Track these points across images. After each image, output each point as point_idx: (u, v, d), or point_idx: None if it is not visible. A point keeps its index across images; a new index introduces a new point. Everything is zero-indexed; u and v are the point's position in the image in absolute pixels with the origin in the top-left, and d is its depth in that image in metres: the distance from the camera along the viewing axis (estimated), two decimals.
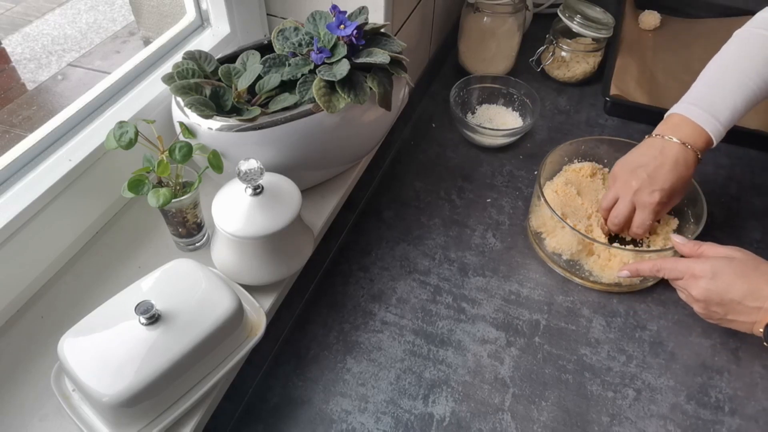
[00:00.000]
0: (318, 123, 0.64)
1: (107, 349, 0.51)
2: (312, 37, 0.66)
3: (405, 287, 0.77)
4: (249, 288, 0.63)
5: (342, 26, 0.63)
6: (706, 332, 0.73)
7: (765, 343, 0.62)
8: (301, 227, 0.67)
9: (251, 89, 0.65)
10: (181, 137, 0.63)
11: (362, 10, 0.67)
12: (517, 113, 1.00)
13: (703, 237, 0.72)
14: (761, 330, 0.62)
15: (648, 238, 0.81)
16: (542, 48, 1.08)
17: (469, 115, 1.00)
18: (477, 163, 0.94)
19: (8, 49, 1.91)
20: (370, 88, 0.64)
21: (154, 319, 0.51)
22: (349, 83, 0.63)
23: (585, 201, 0.83)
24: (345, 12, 0.64)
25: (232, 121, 0.62)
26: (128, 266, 0.67)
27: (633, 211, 0.73)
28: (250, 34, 0.84)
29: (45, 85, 1.80)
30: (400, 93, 0.71)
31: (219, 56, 0.70)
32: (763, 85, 0.70)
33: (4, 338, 0.60)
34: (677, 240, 0.70)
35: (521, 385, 0.68)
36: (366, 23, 0.66)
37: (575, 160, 0.88)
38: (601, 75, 1.07)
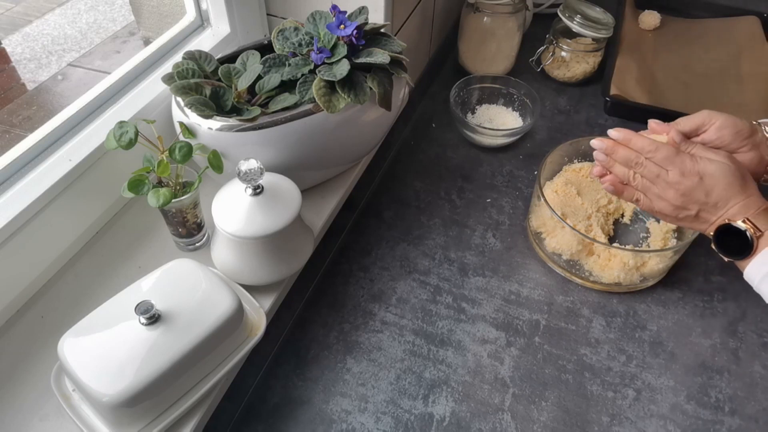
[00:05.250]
0: (318, 123, 0.64)
1: (107, 349, 0.51)
2: (312, 37, 0.66)
3: (405, 287, 0.77)
4: (249, 288, 0.63)
5: (342, 26, 0.63)
6: (706, 332, 0.73)
7: (712, 246, 0.62)
8: (301, 227, 0.67)
9: (251, 89, 0.65)
10: (181, 137, 0.63)
11: (362, 10, 0.67)
12: (517, 113, 1.00)
13: (704, 236, 0.72)
14: (711, 233, 0.62)
15: (648, 235, 0.82)
16: (542, 48, 1.08)
17: (469, 115, 1.00)
18: (477, 163, 0.94)
19: (8, 49, 1.91)
20: (370, 88, 0.64)
21: (154, 319, 0.51)
22: (349, 83, 0.63)
23: (585, 201, 0.83)
24: (345, 12, 0.64)
25: (232, 121, 0.62)
26: (128, 266, 0.67)
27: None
28: (250, 34, 0.84)
29: (45, 85, 1.80)
30: (400, 93, 0.71)
31: (219, 56, 0.70)
32: None
33: (4, 338, 0.60)
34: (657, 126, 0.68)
35: (521, 385, 0.68)
36: (366, 23, 0.66)
37: (575, 160, 0.88)
38: (601, 75, 1.07)
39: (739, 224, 0.60)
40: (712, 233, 0.62)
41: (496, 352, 0.71)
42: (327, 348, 0.71)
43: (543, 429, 0.64)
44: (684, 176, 0.61)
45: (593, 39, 1.04)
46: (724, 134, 0.66)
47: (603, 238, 0.78)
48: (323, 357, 0.70)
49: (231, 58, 0.70)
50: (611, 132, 0.68)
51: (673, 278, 0.78)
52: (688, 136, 0.67)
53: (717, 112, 0.67)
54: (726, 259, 0.62)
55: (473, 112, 1.01)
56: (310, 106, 0.63)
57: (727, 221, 0.60)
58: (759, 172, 0.67)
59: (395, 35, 0.77)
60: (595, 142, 0.68)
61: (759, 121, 0.68)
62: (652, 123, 0.69)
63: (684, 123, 0.67)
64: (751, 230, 0.59)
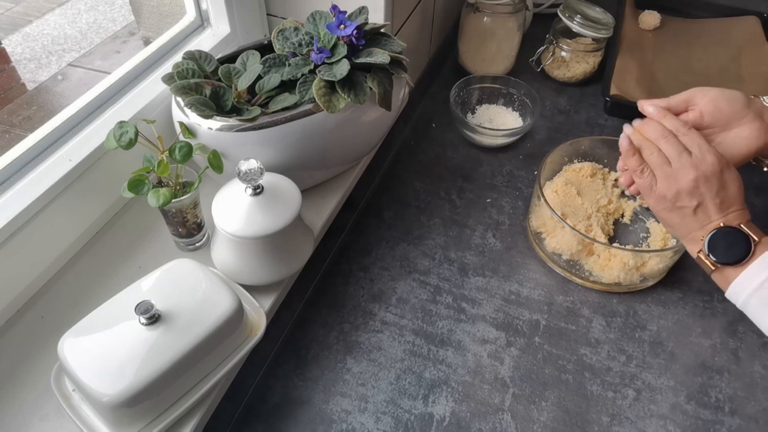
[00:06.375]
0: (318, 123, 0.64)
1: (107, 349, 0.51)
2: (312, 37, 0.66)
3: (405, 287, 0.77)
4: (249, 288, 0.63)
5: (342, 26, 0.63)
6: (706, 332, 0.73)
7: (698, 254, 0.61)
8: (301, 227, 0.67)
9: (251, 89, 0.65)
10: (181, 137, 0.63)
11: (362, 10, 0.67)
12: (517, 113, 1.00)
13: None
14: (702, 237, 0.61)
15: (648, 235, 0.82)
16: (542, 48, 1.08)
17: (469, 115, 1.00)
18: (477, 163, 0.94)
19: (8, 49, 1.91)
20: (370, 88, 0.64)
21: (154, 319, 0.51)
22: (349, 83, 0.63)
23: (585, 201, 0.83)
24: (345, 12, 0.64)
25: (232, 121, 0.62)
26: (128, 266, 0.67)
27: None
28: (250, 34, 0.84)
29: (45, 85, 1.80)
30: (400, 93, 0.71)
31: (219, 56, 0.70)
32: None
33: (4, 338, 0.60)
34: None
35: (521, 385, 0.68)
36: (366, 23, 0.66)
37: (575, 160, 0.88)
38: (601, 75, 1.07)
39: (740, 228, 0.59)
40: (702, 237, 0.61)
41: (496, 352, 0.71)
42: (327, 348, 0.71)
43: (543, 429, 0.64)
44: (706, 161, 0.60)
45: (593, 39, 1.04)
46: (719, 104, 0.65)
47: (603, 238, 0.78)
48: (323, 357, 0.70)
49: (231, 58, 0.70)
50: (647, 108, 0.66)
51: (673, 278, 0.78)
52: (676, 112, 0.66)
53: (708, 87, 0.66)
54: (713, 268, 0.61)
55: (473, 112, 1.01)
56: (310, 106, 0.63)
57: (722, 225, 0.60)
58: None
59: (395, 35, 0.77)
60: (634, 122, 0.67)
61: (753, 96, 0.68)
62: (646, 107, 0.67)
63: (673, 99, 0.67)
64: (750, 235, 0.59)
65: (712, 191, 0.60)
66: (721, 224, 0.60)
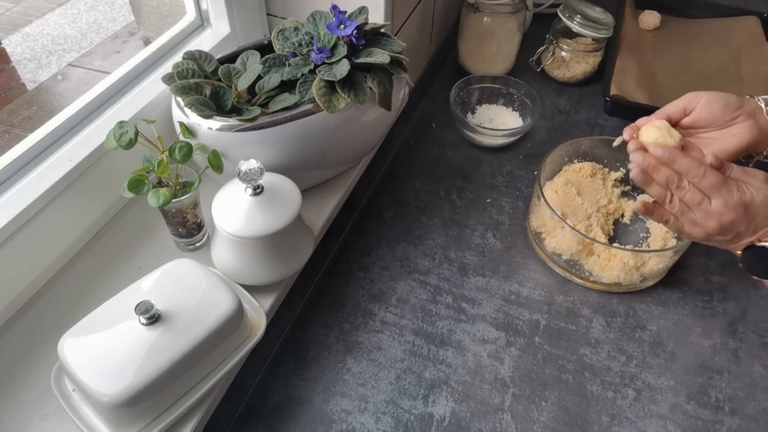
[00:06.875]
0: (318, 123, 0.64)
1: (107, 349, 0.51)
2: (312, 37, 0.66)
3: (405, 287, 0.77)
4: (249, 288, 0.63)
5: (342, 26, 0.63)
6: (706, 332, 0.73)
7: (739, 264, 0.62)
8: (301, 227, 0.67)
9: (251, 89, 0.65)
10: (181, 137, 0.63)
11: (362, 10, 0.67)
12: (517, 113, 1.00)
13: None
14: (739, 252, 0.61)
15: (648, 235, 0.82)
16: (542, 48, 1.08)
17: (469, 115, 1.00)
18: (477, 163, 0.94)
19: (8, 49, 1.91)
20: (370, 88, 0.64)
21: (154, 319, 0.51)
22: (349, 83, 0.63)
23: (585, 201, 0.83)
24: (345, 12, 0.64)
25: (232, 121, 0.62)
26: (128, 266, 0.67)
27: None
28: (250, 34, 0.84)
29: (45, 85, 1.80)
30: (400, 93, 0.71)
31: (219, 56, 0.70)
32: None
33: (4, 338, 0.60)
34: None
35: (521, 385, 0.68)
36: (366, 23, 0.66)
37: (575, 160, 0.88)
38: (601, 75, 1.07)
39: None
40: (739, 252, 0.61)
41: (496, 352, 0.71)
42: (327, 348, 0.71)
43: (543, 429, 0.64)
44: (728, 208, 0.58)
45: (593, 39, 1.04)
46: (713, 109, 0.65)
47: (603, 238, 0.78)
48: (323, 357, 0.70)
49: (231, 58, 0.70)
50: (654, 149, 0.60)
51: (673, 278, 0.78)
52: (676, 120, 0.66)
53: (701, 91, 0.66)
54: (754, 277, 0.61)
55: (473, 112, 1.01)
56: (310, 106, 0.63)
57: (757, 242, 0.59)
58: (760, 141, 0.65)
59: (395, 35, 0.77)
60: (637, 157, 0.60)
61: (749, 95, 0.67)
62: (641, 120, 0.66)
63: (669, 108, 0.67)
64: None
65: (741, 227, 0.59)
66: (755, 243, 0.60)
